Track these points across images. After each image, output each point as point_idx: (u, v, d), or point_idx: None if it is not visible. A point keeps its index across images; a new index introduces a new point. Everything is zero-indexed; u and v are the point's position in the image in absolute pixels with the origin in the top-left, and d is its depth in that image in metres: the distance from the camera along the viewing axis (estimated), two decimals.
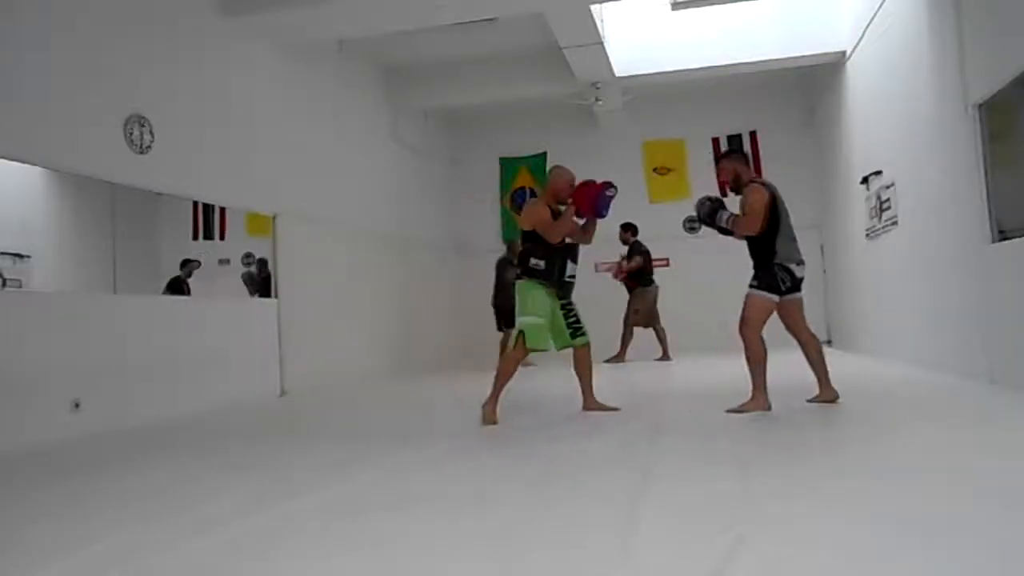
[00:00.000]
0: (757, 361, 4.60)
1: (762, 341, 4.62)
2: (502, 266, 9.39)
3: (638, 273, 9.32)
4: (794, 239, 4.67)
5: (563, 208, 4.74)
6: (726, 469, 3.12)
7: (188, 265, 6.39)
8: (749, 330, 4.62)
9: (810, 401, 4.78)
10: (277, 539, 2.42)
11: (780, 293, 4.61)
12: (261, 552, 2.31)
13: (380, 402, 6.90)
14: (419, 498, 2.92)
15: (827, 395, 4.78)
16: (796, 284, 4.67)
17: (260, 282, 7.23)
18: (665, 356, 9.24)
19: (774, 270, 4.59)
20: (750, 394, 4.59)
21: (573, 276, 4.76)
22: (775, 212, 4.59)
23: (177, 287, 6.30)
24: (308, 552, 2.27)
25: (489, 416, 4.56)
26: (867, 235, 8.39)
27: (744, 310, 4.69)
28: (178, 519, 2.70)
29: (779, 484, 2.81)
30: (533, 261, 4.67)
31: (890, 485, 2.73)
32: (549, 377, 8.08)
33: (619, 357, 9.25)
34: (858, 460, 3.20)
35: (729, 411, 4.52)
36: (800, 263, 4.67)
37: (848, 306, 9.82)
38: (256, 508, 2.78)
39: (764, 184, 4.69)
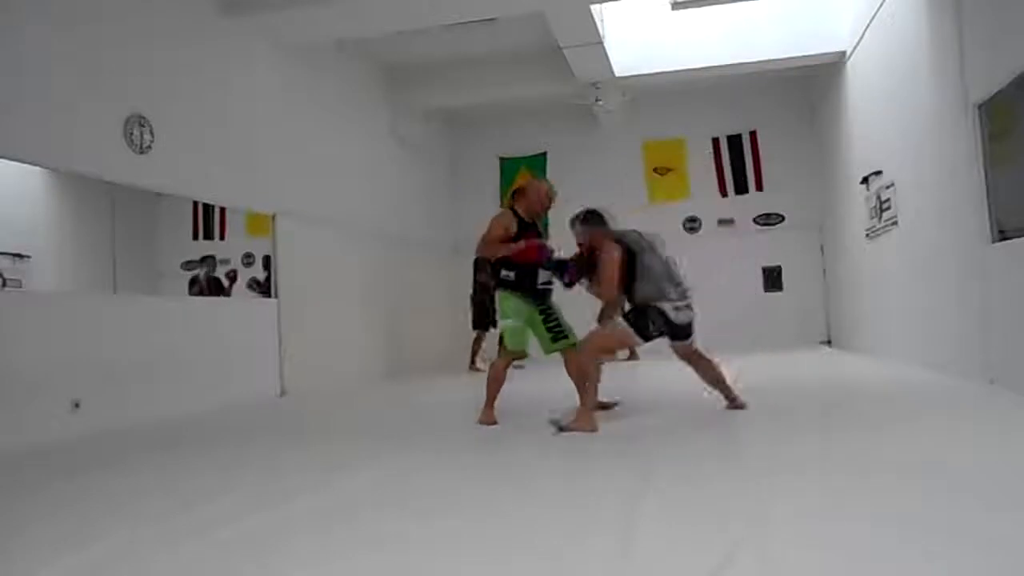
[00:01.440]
0: (589, 378, 4.28)
1: (598, 366, 4.33)
2: (477, 265, 9.30)
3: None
4: (671, 279, 4.39)
5: (535, 220, 4.78)
6: (725, 469, 3.12)
7: (206, 262, 6.48)
8: (588, 352, 4.37)
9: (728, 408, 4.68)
10: (277, 539, 2.42)
11: (647, 338, 4.34)
12: (261, 552, 2.31)
13: (380, 402, 6.90)
14: (419, 499, 2.92)
15: (736, 404, 4.66)
16: (676, 329, 4.39)
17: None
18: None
19: (646, 312, 4.34)
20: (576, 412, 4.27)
21: (549, 282, 4.70)
22: (631, 264, 4.38)
23: (217, 284, 6.46)
24: (307, 552, 2.27)
25: (487, 418, 4.58)
26: (867, 235, 8.39)
27: (599, 332, 4.53)
28: (178, 518, 2.70)
29: (778, 484, 2.81)
30: (504, 272, 4.65)
31: (890, 485, 2.73)
32: (548, 377, 8.07)
33: (633, 356, 9.12)
34: (857, 460, 3.20)
35: (553, 422, 4.27)
36: (679, 305, 4.35)
37: (848, 306, 9.82)
38: (257, 508, 2.78)
39: (616, 241, 4.46)
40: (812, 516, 2.38)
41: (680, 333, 4.45)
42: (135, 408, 5.39)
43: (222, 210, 6.75)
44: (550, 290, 4.76)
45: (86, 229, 5.66)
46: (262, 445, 4.47)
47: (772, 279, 11.32)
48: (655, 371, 8.18)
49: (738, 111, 11.34)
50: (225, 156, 6.77)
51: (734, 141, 11.46)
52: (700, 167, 11.54)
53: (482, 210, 12.06)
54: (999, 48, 4.88)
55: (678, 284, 4.40)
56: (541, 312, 4.70)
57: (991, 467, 2.95)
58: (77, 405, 4.98)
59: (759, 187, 11.42)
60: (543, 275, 4.66)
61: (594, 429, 4.08)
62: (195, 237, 6.56)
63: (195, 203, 6.47)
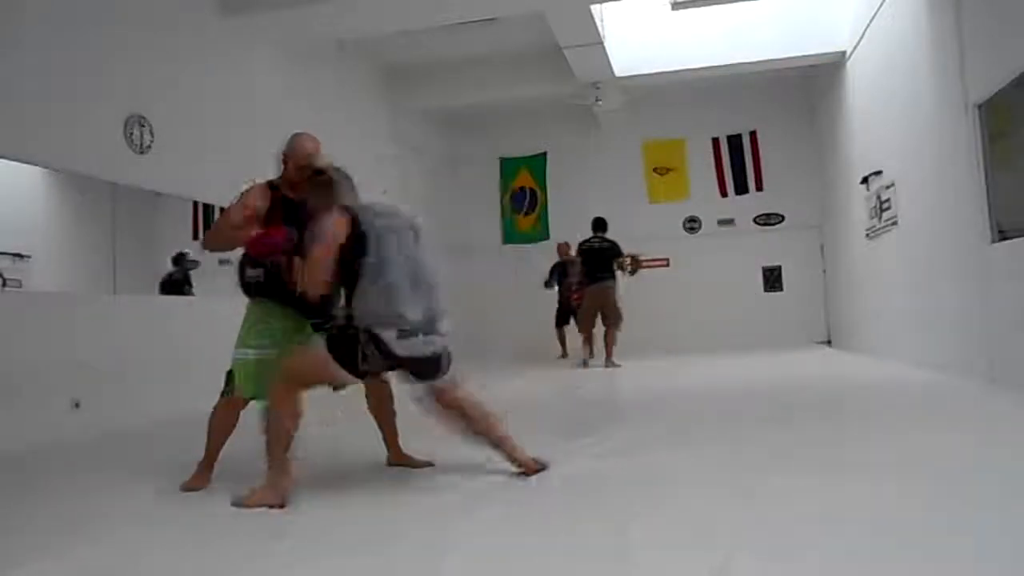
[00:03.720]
0: (279, 430, 2.89)
1: (295, 404, 2.94)
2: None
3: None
4: (413, 289, 2.95)
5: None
6: (725, 470, 3.12)
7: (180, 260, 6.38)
8: (282, 387, 2.94)
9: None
10: (286, 536, 2.42)
11: (357, 372, 2.96)
12: (266, 549, 2.31)
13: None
14: (418, 497, 2.92)
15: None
16: (412, 364, 2.98)
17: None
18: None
19: (356, 335, 2.90)
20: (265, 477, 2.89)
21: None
22: (360, 248, 2.90)
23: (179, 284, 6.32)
24: (308, 551, 2.27)
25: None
26: (867, 235, 8.39)
27: (294, 355, 3.05)
28: (180, 517, 2.70)
29: (778, 485, 2.81)
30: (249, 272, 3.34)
31: (889, 485, 2.72)
32: (537, 383, 8.12)
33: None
34: (857, 460, 3.20)
35: (235, 504, 2.83)
36: (409, 331, 2.89)
37: (848, 306, 9.82)
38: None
39: (347, 210, 2.98)
40: (812, 517, 2.37)
41: (420, 369, 3.02)
42: (135, 408, 5.39)
43: (222, 210, 6.73)
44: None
45: (86, 229, 5.66)
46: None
47: (772, 279, 11.33)
48: (648, 373, 8.19)
49: (738, 111, 11.34)
50: (225, 156, 6.76)
51: (734, 141, 11.47)
52: (700, 167, 11.54)
53: (482, 210, 12.23)
54: (999, 48, 4.88)
55: (422, 302, 2.97)
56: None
57: (991, 467, 2.95)
58: (77, 405, 4.97)
59: (759, 187, 11.43)
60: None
61: (281, 503, 2.80)
62: (195, 237, 6.55)
63: (195, 203, 6.47)
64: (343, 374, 2.96)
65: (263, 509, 2.73)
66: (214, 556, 2.31)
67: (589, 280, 8.75)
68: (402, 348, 2.90)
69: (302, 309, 3.14)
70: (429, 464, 3.44)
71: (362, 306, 2.91)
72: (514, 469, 3.13)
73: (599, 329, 8.78)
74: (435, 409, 3.14)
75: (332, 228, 2.90)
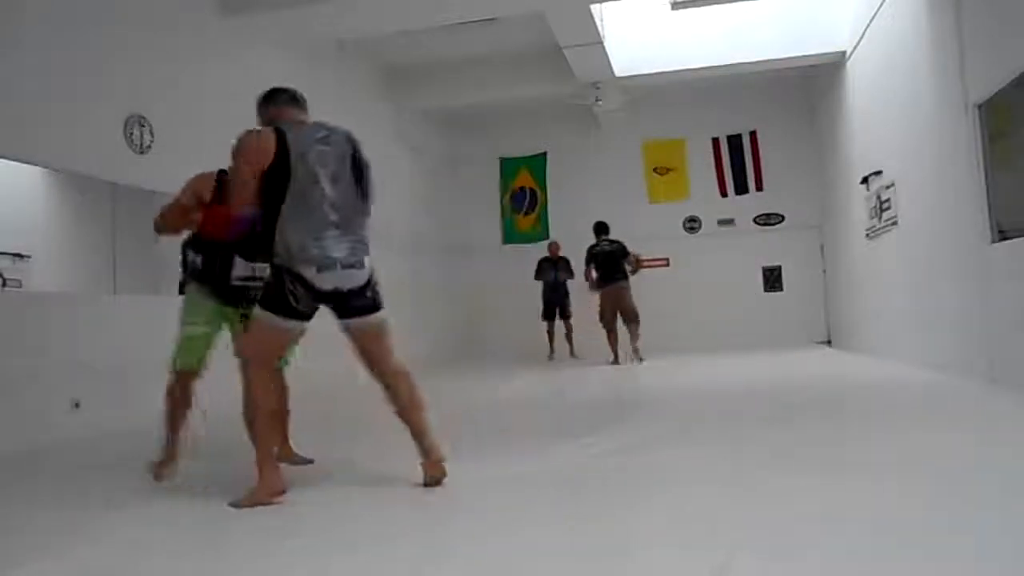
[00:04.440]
0: (257, 416, 3.00)
1: (268, 387, 3.04)
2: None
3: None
4: (333, 223, 2.93)
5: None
6: (725, 469, 3.13)
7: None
8: (250, 367, 3.03)
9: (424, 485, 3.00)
10: (286, 535, 2.42)
11: (291, 314, 2.94)
12: (266, 549, 2.31)
13: (378, 401, 6.89)
14: (418, 496, 2.92)
15: (435, 470, 2.99)
16: (335, 300, 2.98)
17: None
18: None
19: (279, 276, 2.92)
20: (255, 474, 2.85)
21: (252, 277, 3.38)
22: (283, 171, 2.91)
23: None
24: (309, 550, 2.27)
25: (161, 468, 3.35)
26: (867, 235, 8.39)
27: (244, 339, 3.13)
28: (180, 517, 2.70)
29: (779, 484, 2.81)
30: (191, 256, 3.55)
31: (890, 485, 2.73)
32: (538, 382, 8.11)
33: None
34: (858, 460, 3.20)
35: (232, 504, 2.78)
36: (328, 264, 2.89)
37: (848, 306, 9.82)
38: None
39: (276, 129, 3.10)
40: (812, 518, 2.38)
41: (346, 304, 3.01)
42: (135, 408, 5.38)
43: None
44: (248, 288, 3.35)
45: (86, 229, 5.66)
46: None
47: (772, 279, 11.33)
48: (651, 372, 8.18)
49: (738, 111, 11.34)
50: (225, 156, 6.74)
51: (734, 141, 11.47)
52: (700, 167, 11.55)
53: (482, 210, 12.24)
54: (999, 48, 4.88)
55: (348, 233, 2.98)
56: (242, 317, 3.34)
57: (991, 467, 2.95)
58: (77, 405, 4.98)
59: (759, 187, 11.43)
60: (241, 266, 3.35)
61: (279, 491, 2.83)
62: None
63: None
64: (290, 324, 2.96)
65: (262, 508, 2.73)
66: (214, 556, 2.32)
67: (604, 281, 8.93)
68: (325, 282, 2.90)
69: (229, 297, 3.38)
70: (309, 462, 3.59)
71: (281, 241, 2.89)
72: (421, 479, 2.97)
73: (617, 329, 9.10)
74: (367, 363, 3.19)
75: (256, 142, 3.04)
